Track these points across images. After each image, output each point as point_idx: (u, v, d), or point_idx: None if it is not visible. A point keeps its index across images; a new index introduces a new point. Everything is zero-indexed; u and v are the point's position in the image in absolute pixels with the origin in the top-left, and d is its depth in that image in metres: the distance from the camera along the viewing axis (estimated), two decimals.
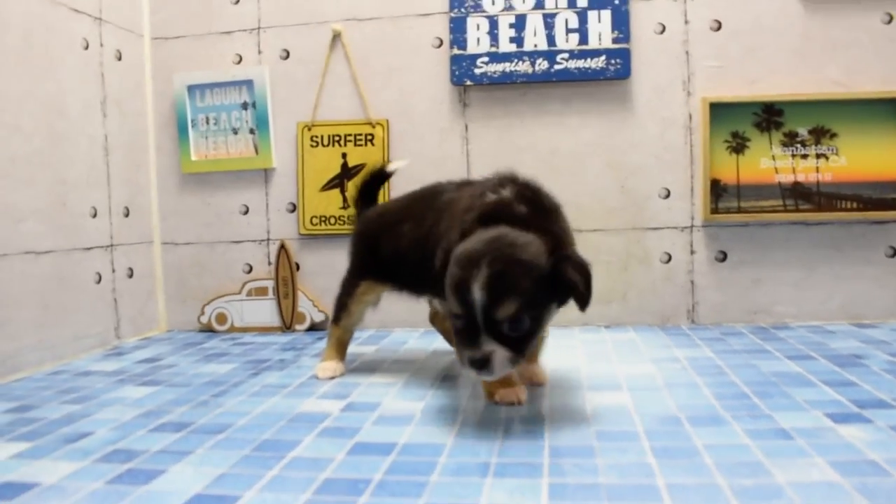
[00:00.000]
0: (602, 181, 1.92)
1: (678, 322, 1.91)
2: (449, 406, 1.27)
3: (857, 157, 1.81)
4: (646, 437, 1.05)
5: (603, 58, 1.88)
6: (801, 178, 1.83)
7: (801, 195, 1.83)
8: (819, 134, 1.83)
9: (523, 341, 1.05)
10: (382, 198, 1.99)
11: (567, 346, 1.70)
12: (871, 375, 1.33)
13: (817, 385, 1.28)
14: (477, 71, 1.92)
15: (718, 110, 1.85)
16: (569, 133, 1.93)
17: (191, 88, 2.08)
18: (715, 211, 1.86)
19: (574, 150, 1.93)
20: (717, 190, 1.86)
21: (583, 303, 1.08)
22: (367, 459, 1.00)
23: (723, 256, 1.88)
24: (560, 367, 1.52)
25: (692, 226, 1.89)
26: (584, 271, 1.07)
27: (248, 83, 2.05)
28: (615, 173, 1.92)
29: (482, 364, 1.03)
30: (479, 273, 1.02)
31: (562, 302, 1.11)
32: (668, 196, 1.90)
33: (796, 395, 1.22)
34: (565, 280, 1.05)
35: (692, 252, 1.89)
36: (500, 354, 1.03)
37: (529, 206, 1.15)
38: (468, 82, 1.93)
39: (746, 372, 1.40)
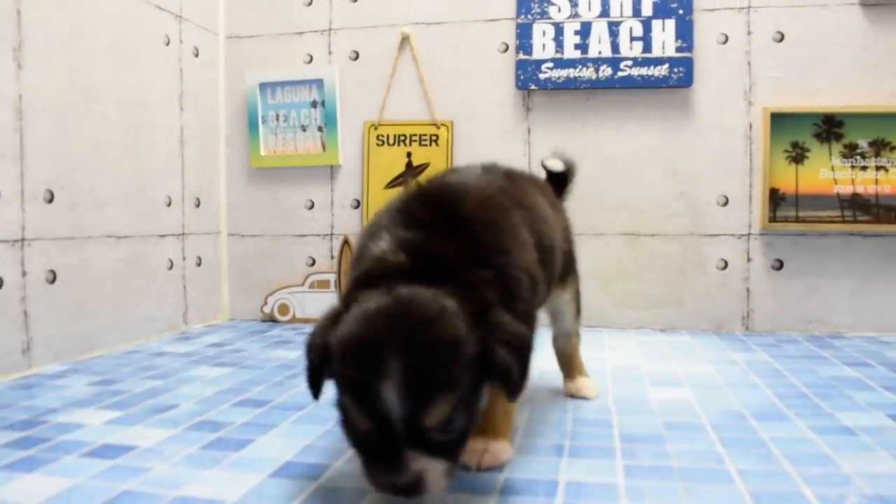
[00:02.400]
0: (661, 187, 1.96)
1: (732, 328, 1.93)
2: None
3: None
4: (712, 429, 1.09)
5: (666, 66, 1.91)
6: (859, 189, 1.85)
7: (859, 206, 1.85)
8: (879, 146, 1.85)
9: (458, 443, 0.78)
10: None
11: (624, 347, 1.74)
12: None
13: (877, 389, 1.31)
14: (541, 76, 1.97)
15: (779, 120, 1.88)
16: (630, 139, 1.97)
17: (262, 86, 2.15)
18: (773, 219, 1.88)
19: (635, 156, 1.97)
20: (776, 199, 1.88)
21: (513, 392, 0.80)
22: None
23: (779, 265, 1.91)
24: (619, 364, 1.56)
25: (749, 233, 1.92)
26: (518, 348, 0.79)
27: (318, 82, 2.12)
28: (674, 180, 1.95)
29: (412, 489, 0.75)
30: (388, 370, 0.72)
31: (493, 382, 0.82)
32: (726, 203, 1.93)
33: (857, 398, 1.25)
34: (495, 364, 0.78)
35: (749, 259, 1.92)
36: (434, 470, 0.75)
37: (433, 242, 0.85)
38: (532, 87, 1.98)
39: (805, 375, 1.43)
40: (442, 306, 0.77)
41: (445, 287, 0.79)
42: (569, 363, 1.33)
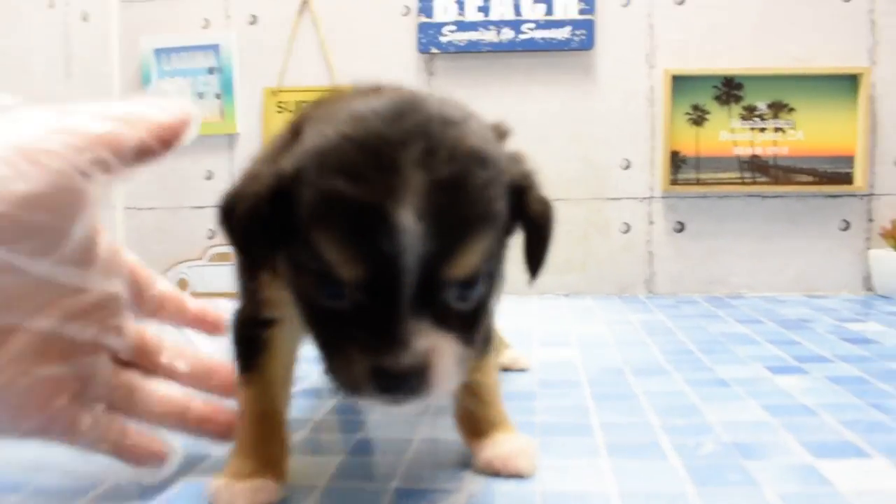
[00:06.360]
0: (564, 151, 1.94)
1: (636, 292, 1.94)
2: None
3: (814, 132, 1.84)
4: (588, 384, 1.07)
5: (568, 28, 1.89)
6: (758, 151, 1.87)
7: (758, 168, 1.86)
8: (777, 108, 1.86)
9: (475, 319, 0.54)
10: None
11: (522, 312, 1.72)
12: (815, 336, 1.37)
13: (761, 343, 1.31)
14: (443, 39, 1.93)
15: (680, 83, 1.88)
16: (534, 103, 1.95)
17: (157, 52, 2.07)
18: (674, 182, 1.89)
19: (538, 121, 1.95)
20: (677, 161, 1.88)
21: (536, 260, 0.60)
22: None
23: (681, 227, 1.91)
24: (510, 328, 1.53)
25: (651, 196, 1.92)
26: (547, 205, 0.60)
27: (215, 48, 2.05)
28: (577, 144, 1.94)
29: (412, 381, 0.48)
30: (408, 182, 0.46)
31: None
32: (628, 167, 1.92)
33: (739, 352, 1.25)
34: (526, 213, 0.57)
35: (651, 222, 1.92)
36: (445, 354, 0.49)
37: None
38: (434, 50, 1.94)
39: (695, 333, 1.43)
40: (467, 110, 0.53)
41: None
42: None
